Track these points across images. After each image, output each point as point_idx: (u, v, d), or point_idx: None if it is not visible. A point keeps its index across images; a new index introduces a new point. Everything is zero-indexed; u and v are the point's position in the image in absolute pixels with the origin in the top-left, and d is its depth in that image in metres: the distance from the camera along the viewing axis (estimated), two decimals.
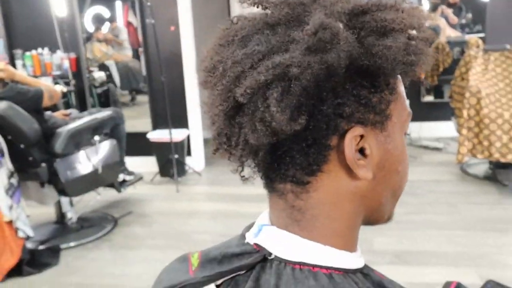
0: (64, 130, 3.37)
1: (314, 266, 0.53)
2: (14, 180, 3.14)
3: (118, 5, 5.46)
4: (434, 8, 5.16)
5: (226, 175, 4.40)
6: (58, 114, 3.67)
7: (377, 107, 0.52)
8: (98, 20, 5.34)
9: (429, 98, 5.31)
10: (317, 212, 0.55)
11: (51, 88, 3.34)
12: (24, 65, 4.91)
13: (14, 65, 4.86)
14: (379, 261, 2.87)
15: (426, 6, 5.23)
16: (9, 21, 5.00)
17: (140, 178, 4.09)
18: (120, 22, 5.38)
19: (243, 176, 0.58)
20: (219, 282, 0.57)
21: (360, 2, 0.52)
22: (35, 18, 4.95)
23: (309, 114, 0.50)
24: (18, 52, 4.94)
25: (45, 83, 3.44)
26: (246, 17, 0.54)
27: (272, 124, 0.49)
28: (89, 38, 5.16)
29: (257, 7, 0.54)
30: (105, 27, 5.35)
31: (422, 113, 5.21)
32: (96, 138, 3.62)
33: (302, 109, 0.49)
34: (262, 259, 0.54)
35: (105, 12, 5.45)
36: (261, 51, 0.50)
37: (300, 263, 0.53)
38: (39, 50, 4.99)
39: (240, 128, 0.52)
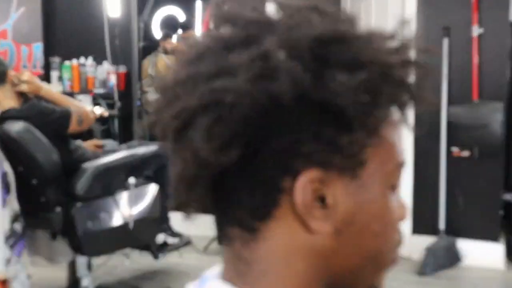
0: (91, 166, 3.34)
1: None
2: (18, 226, 3.16)
3: (199, 6, 5.10)
4: None
5: None
6: (89, 145, 3.68)
7: (346, 149, 0.55)
8: (169, 25, 5.06)
9: None
10: (265, 266, 0.59)
11: (83, 110, 3.39)
12: (60, 78, 4.98)
13: (48, 77, 4.91)
14: None
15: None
16: (50, 21, 5.02)
17: (188, 243, 4.00)
18: (198, 29, 5.09)
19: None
20: None
21: (337, 28, 0.57)
22: (80, 19, 4.97)
23: (253, 148, 0.55)
24: (55, 60, 5.01)
25: (77, 103, 3.53)
26: (211, 34, 0.61)
27: (199, 154, 0.54)
28: (154, 47, 4.93)
29: (223, 25, 0.60)
30: (177, 35, 5.08)
31: None
32: (132, 181, 3.50)
33: (236, 140, 0.54)
34: None
35: (180, 14, 5.11)
36: (205, 73, 0.56)
37: None
38: (82, 60, 5.09)
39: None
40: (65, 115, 3.25)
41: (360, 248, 0.60)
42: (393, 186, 0.61)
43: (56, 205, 3.22)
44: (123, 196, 3.47)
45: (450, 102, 4.13)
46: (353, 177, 0.57)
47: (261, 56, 0.54)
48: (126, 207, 3.47)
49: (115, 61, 4.89)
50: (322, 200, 0.57)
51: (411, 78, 0.58)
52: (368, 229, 0.59)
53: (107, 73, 4.98)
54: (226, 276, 0.62)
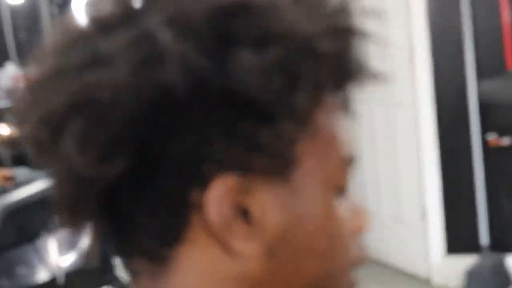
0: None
1: None
2: None
3: None
4: None
5: None
6: None
7: (268, 147, 0.54)
8: None
9: None
10: None
11: None
12: None
13: None
14: None
15: None
16: None
17: None
18: None
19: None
20: None
21: None
22: None
23: (148, 156, 0.54)
24: None
25: None
26: (89, 13, 0.60)
27: (74, 169, 0.53)
28: None
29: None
30: None
31: None
32: (56, 220, 3.03)
33: (121, 148, 0.53)
34: None
35: None
36: (75, 64, 0.55)
37: None
38: None
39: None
40: None
41: (301, 273, 0.59)
42: (340, 189, 0.60)
43: None
44: (48, 242, 3.38)
45: (479, 76, 3.87)
46: (283, 182, 0.56)
47: (142, 38, 0.53)
48: (53, 256, 3.38)
49: (23, 62, 4.70)
50: (244, 214, 0.55)
51: (346, 49, 0.58)
52: (309, 247, 0.58)
53: (10, 78, 4.67)
54: None
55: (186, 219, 0.55)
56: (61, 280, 3.26)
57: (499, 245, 3.91)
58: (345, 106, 0.60)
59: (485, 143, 3.88)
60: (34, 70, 0.59)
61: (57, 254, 3.37)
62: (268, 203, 0.56)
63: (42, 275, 3.29)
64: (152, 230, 0.56)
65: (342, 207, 0.60)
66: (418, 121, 3.96)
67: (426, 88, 3.91)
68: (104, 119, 0.52)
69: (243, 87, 0.53)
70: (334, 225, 0.59)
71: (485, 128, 3.88)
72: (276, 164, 0.55)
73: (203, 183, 0.54)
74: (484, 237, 3.94)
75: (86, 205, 0.56)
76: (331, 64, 0.56)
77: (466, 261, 3.86)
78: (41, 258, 3.32)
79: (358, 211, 0.63)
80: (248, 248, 0.56)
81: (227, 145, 0.54)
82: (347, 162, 0.61)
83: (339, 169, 0.60)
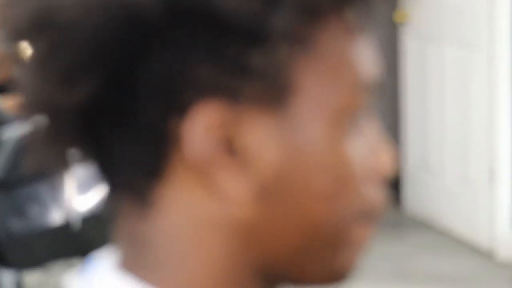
0: (12, 136, 3.20)
1: None
2: None
3: None
4: None
5: None
6: (10, 104, 3.45)
7: (259, 70, 0.53)
8: None
9: None
10: (164, 247, 0.57)
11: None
12: None
13: None
14: None
15: None
16: None
17: None
18: None
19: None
20: None
21: None
22: None
23: (122, 82, 0.53)
24: None
25: None
26: None
27: (37, 95, 0.55)
28: None
29: None
30: None
31: None
32: (78, 155, 2.92)
33: (86, 72, 0.53)
34: None
35: None
36: None
37: None
38: None
39: None
40: None
41: (298, 216, 0.56)
42: (351, 122, 0.57)
43: None
44: (65, 180, 3.22)
45: None
46: (279, 113, 0.54)
47: None
48: (70, 197, 3.21)
49: None
50: (232, 149, 0.54)
51: None
52: (307, 187, 0.55)
53: None
54: (120, 263, 0.59)
55: (166, 154, 0.54)
56: (77, 225, 3.14)
57: None
58: (361, 27, 0.57)
59: None
60: None
61: (75, 195, 3.20)
62: (260, 136, 0.54)
63: (56, 218, 3.13)
64: (131, 164, 0.55)
65: (358, 144, 0.57)
66: (493, 67, 3.79)
67: (505, 32, 3.72)
68: (67, 40, 0.52)
69: (222, 7, 0.51)
70: (343, 164, 0.56)
71: None
72: (269, 91, 0.53)
73: (181, 110, 0.53)
74: None
75: (62, 137, 0.56)
76: None
77: None
78: (56, 198, 3.15)
79: (380, 149, 0.60)
80: (235, 189, 0.54)
81: (209, 68, 0.52)
82: (364, 89, 0.57)
83: (352, 98, 0.56)
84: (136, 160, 0.55)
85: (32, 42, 0.54)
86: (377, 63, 0.60)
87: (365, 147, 0.58)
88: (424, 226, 4.47)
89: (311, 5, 0.54)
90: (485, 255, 4.05)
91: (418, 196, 4.58)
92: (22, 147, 3.17)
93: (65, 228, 3.15)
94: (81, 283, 0.60)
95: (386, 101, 5.31)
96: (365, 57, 0.58)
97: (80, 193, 3.22)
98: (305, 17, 0.54)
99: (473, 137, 4.03)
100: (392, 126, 5.08)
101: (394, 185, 5.12)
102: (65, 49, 0.52)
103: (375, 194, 0.59)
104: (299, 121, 0.55)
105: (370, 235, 0.61)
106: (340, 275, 0.60)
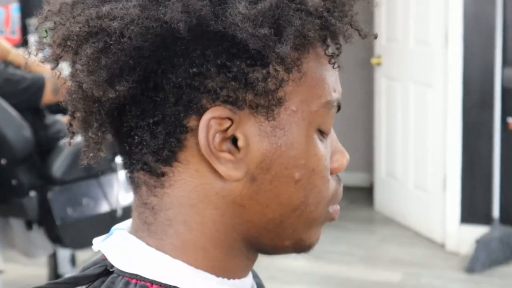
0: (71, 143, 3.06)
1: (152, 282, 0.59)
2: None
3: None
4: None
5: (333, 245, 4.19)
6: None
7: (259, 85, 0.57)
8: None
9: None
10: (172, 215, 0.61)
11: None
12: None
13: (26, 41, 4.65)
14: None
15: None
16: None
17: None
18: None
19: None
20: None
21: None
22: None
23: (152, 83, 0.58)
24: (33, 22, 4.72)
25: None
26: None
27: (83, 87, 0.57)
28: None
29: None
30: None
31: None
32: (119, 161, 3.18)
33: (127, 73, 0.56)
34: (104, 270, 0.63)
35: None
36: None
37: (136, 277, 0.59)
38: None
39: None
40: (38, 83, 3.10)
41: (279, 197, 0.61)
42: (322, 130, 0.62)
43: (30, 189, 3.13)
44: (109, 180, 3.36)
45: (505, 63, 3.88)
46: (269, 117, 0.58)
47: None
48: (113, 192, 3.37)
49: None
50: (233, 143, 0.59)
51: (336, 7, 0.59)
52: (287, 175, 0.60)
53: None
54: (132, 228, 0.63)
55: (181, 141, 0.59)
56: (119, 212, 3.29)
57: (508, 219, 3.97)
58: (334, 59, 0.61)
59: (505, 126, 3.91)
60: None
61: (118, 191, 3.32)
62: (254, 134, 0.59)
63: (104, 207, 3.30)
64: (152, 147, 0.59)
65: (324, 147, 0.62)
66: (447, 101, 3.97)
67: (457, 72, 3.89)
68: (112, 46, 0.55)
69: (237, 33, 0.55)
70: (314, 160, 0.61)
71: (507, 112, 3.90)
72: (264, 101, 0.58)
73: (199, 111, 0.57)
74: (496, 211, 3.96)
75: (95, 121, 0.61)
76: (318, 19, 0.58)
77: (478, 231, 3.94)
78: (104, 192, 3.30)
79: (340, 151, 0.65)
80: (232, 172, 0.59)
81: (221, 81, 0.57)
82: (329, 105, 0.62)
83: (321, 112, 0.61)
84: (155, 145, 0.59)
85: (83, 45, 0.57)
86: (341, 88, 0.64)
87: (329, 150, 0.63)
88: (390, 221, 4.61)
89: (306, 39, 0.58)
90: (437, 246, 4.11)
91: (386, 198, 4.72)
92: (77, 152, 3.11)
93: (110, 214, 3.26)
94: (101, 246, 0.64)
95: (362, 126, 5.33)
96: (334, 81, 0.62)
97: (123, 191, 3.32)
98: (301, 46, 0.59)
99: (429, 153, 4.21)
100: (367, 144, 5.14)
101: (368, 189, 5.15)
102: (110, 54, 0.55)
103: (335, 184, 0.64)
104: (283, 125, 0.59)
105: (333, 215, 0.66)
106: (307, 246, 0.65)
